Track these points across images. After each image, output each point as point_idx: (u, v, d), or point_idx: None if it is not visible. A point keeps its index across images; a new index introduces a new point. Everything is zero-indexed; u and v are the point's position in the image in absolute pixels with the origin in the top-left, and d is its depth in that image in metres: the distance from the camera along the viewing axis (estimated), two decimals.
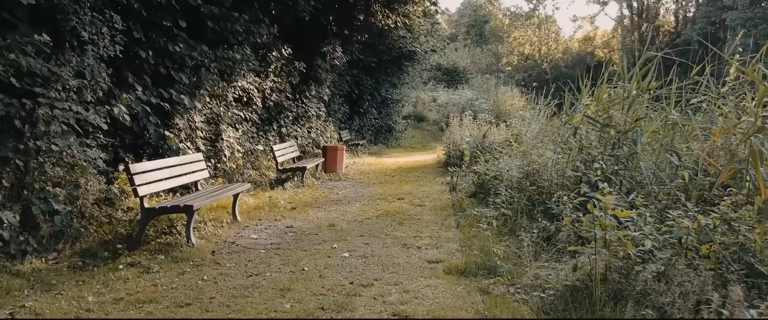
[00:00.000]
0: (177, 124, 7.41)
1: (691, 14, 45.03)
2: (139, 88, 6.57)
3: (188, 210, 4.71)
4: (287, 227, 5.84)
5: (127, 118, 6.12)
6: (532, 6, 55.11)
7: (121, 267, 4.30)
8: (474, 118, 14.55)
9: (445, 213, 6.73)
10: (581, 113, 5.67)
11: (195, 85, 7.91)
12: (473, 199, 7.57)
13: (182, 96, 7.16)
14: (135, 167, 4.75)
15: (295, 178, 9.23)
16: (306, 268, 4.33)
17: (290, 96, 11.81)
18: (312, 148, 12.40)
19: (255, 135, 10.24)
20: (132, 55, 6.71)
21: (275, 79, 11.06)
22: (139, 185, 4.71)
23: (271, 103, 10.97)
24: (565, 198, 4.43)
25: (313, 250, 4.88)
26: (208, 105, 8.47)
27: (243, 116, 9.66)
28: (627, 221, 3.83)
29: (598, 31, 55.25)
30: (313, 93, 13.02)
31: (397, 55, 17.21)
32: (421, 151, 17.58)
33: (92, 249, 4.65)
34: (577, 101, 6.29)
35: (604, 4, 63.69)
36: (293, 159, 10.35)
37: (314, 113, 12.95)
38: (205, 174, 6.18)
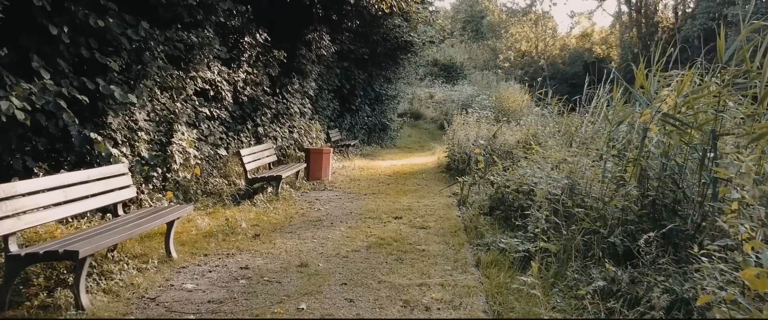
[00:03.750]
0: (110, 124, 5.74)
1: (691, 10, 43.80)
2: (47, 76, 4.89)
3: (72, 258, 3.04)
4: (241, 268, 4.18)
5: (22, 115, 4.45)
6: (528, 1, 53.73)
7: None
8: (478, 116, 12.95)
9: (456, 242, 5.11)
10: (652, 109, 4.05)
11: (137, 74, 6.24)
12: (489, 218, 5.96)
13: (112, 87, 5.48)
14: None
15: (269, 189, 7.57)
16: None
17: (269, 90, 10.14)
18: (294, 150, 10.74)
19: (224, 136, 8.57)
20: (40, 30, 5.03)
21: (249, 69, 9.38)
22: None
23: (245, 98, 9.29)
24: (711, 256, 2.81)
25: (269, 315, 3.24)
26: (159, 99, 6.81)
27: (208, 113, 7.99)
28: None
29: (595, 27, 54.10)
30: (296, 87, 11.35)
31: (393, 46, 15.53)
32: (419, 152, 15.96)
33: None
34: (637, 92, 4.66)
35: None
36: (269, 164, 8.69)
37: (297, 110, 11.28)
38: (130, 192, 4.50)
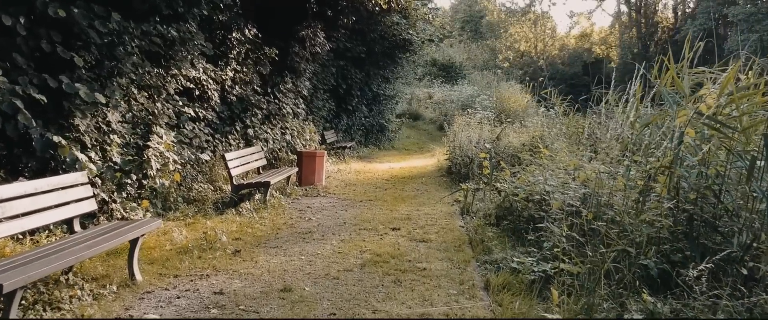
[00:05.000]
0: (77, 126, 5.18)
1: (690, 9, 43.42)
2: None
3: None
4: (214, 293, 3.62)
5: None
6: (527, 1, 53.24)
7: None
8: (481, 117, 12.42)
9: (461, 258, 4.56)
10: (688, 109, 3.50)
11: (110, 71, 5.68)
12: (496, 230, 5.43)
13: (78, 85, 4.92)
14: None
15: (257, 196, 7.02)
16: None
17: (259, 89, 9.58)
18: (286, 153, 10.18)
19: (210, 138, 8.01)
20: None
21: (238, 67, 8.83)
22: None
23: (233, 98, 8.74)
24: None
25: None
26: (137, 99, 6.25)
27: (193, 114, 7.43)
28: None
29: (594, 27, 53.73)
30: (288, 86, 10.80)
31: (391, 44, 14.97)
32: (418, 153, 15.42)
33: None
34: (666, 90, 4.11)
35: None
36: (259, 169, 8.14)
37: (290, 110, 10.72)
38: (90, 205, 3.95)
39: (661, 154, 4.12)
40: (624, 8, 48.78)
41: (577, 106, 9.86)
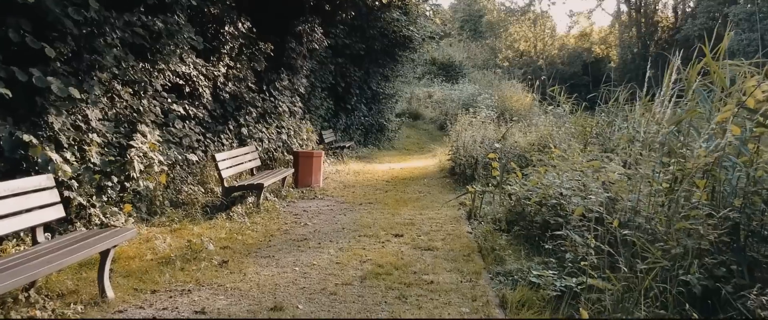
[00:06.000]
0: (52, 124, 4.74)
1: (691, 9, 43.18)
2: None
3: None
4: (195, 312, 3.19)
5: None
6: (527, 1, 52.81)
7: None
8: (486, 116, 12.02)
9: (471, 270, 4.14)
10: (732, 103, 3.10)
11: (90, 64, 5.25)
12: (508, 236, 5.01)
13: (50, 79, 4.49)
14: None
15: (250, 199, 6.59)
16: None
17: (254, 86, 9.15)
18: (283, 153, 9.75)
19: (201, 137, 7.58)
20: None
21: (231, 63, 8.40)
22: None
23: (226, 96, 8.30)
24: None
25: None
26: (121, 95, 5.82)
27: (183, 112, 7.00)
28: None
29: (594, 27, 53.48)
30: (285, 83, 10.36)
31: (391, 41, 14.54)
32: (419, 153, 15.00)
33: None
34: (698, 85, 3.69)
35: None
36: (253, 169, 7.71)
37: (286, 109, 10.28)
38: (56, 212, 3.51)
39: (691, 154, 3.70)
40: (624, 7, 48.50)
41: (584, 104, 9.51)
